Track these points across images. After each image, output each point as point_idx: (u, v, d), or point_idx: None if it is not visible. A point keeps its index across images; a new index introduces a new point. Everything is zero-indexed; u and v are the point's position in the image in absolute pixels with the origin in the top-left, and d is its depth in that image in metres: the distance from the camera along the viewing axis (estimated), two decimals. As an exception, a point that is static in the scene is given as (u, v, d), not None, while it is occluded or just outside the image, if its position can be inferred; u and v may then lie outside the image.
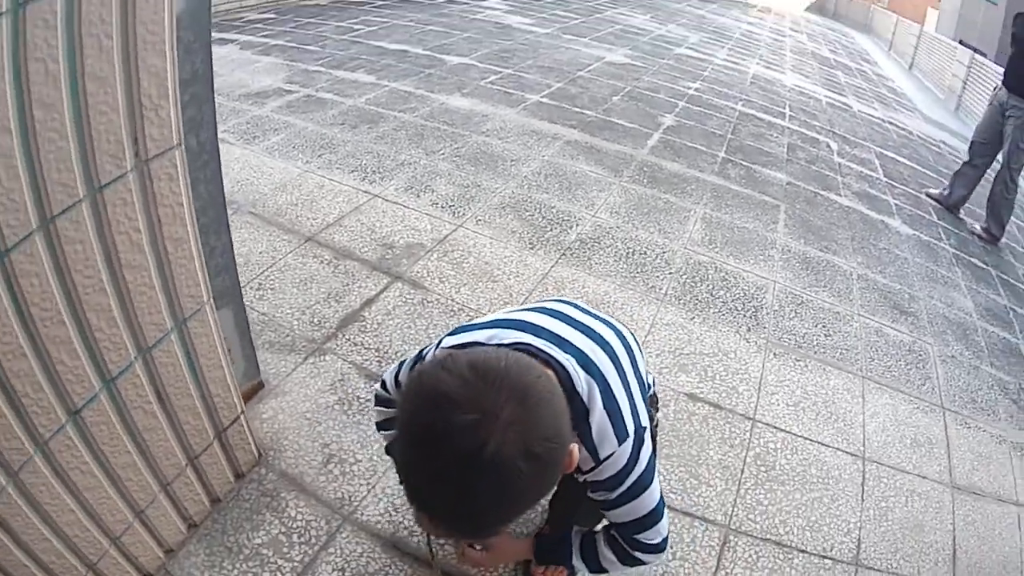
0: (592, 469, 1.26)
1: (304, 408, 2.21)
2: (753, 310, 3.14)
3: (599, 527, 1.50)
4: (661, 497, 1.35)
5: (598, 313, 1.44)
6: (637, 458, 1.27)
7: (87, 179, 1.28)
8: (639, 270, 3.25)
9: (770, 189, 4.63)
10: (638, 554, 1.38)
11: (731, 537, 2.02)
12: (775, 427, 2.48)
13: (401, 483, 1.05)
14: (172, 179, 1.46)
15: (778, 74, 9.17)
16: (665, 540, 1.38)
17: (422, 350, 1.43)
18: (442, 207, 3.49)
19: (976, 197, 5.96)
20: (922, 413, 2.82)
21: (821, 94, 8.65)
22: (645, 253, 3.40)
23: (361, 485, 2.00)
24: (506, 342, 1.23)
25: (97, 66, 1.22)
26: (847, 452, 2.46)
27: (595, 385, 1.22)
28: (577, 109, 5.42)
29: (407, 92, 5.21)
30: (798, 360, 2.88)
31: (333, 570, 1.77)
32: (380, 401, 1.57)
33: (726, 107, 6.54)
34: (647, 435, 1.31)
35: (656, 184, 4.24)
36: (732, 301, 3.17)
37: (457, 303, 2.79)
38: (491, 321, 1.33)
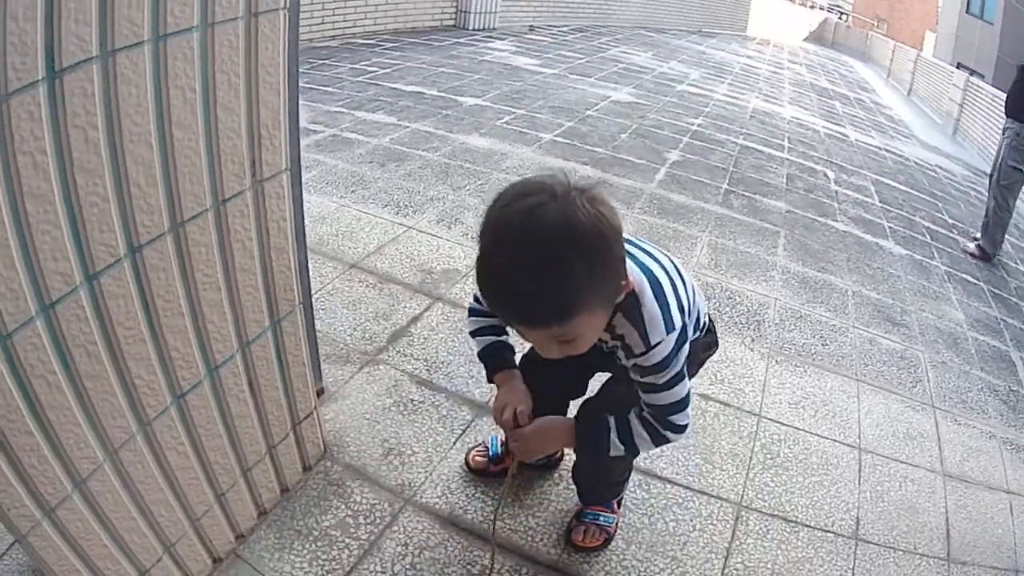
0: (643, 354, 1.41)
1: (363, 410, 2.53)
2: (756, 324, 3.51)
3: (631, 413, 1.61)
4: (688, 388, 1.51)
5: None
6: (679, 351, 1.43)
7: (214, 192, 1.49)
8: (653, 291, 3.60)
9: (770, 217, 5.03)
10: (668, 433, 1.54)
11: (743, 513, 2.36)
12: (778, 422, 2.83)
13: (490, 299, 1.25)
14: (280, 198, 1.69)
15: (777, 107, 9.61)
16: (688, 423, 1.55)
17: None
18: (472, 238, 3.85)
19: (971, 217, 6.35)
20: (913, 411, 3.15)
21: (819, 125, 9.08)
22: (658, 276, 3.76)
23: (419, 473, 2.30)
24: None
25: (226, 98, 1.44)
26: (844, 443, 2.80)
27: (645, 280, 1.40)
28: (588, 147, 5.83)
29: (428, 132, 5.57)
30: (798, 366, 3.24)
31: (397, 545, 2.02)
32: (473, 312, 1.78)
33: (728, 141, 6.96)
34: (688, 342, 1.49)
35: (665, 215, 4.64)
36: (737, 316, 3.55)
37: (494, 322, 3.15)
38: None
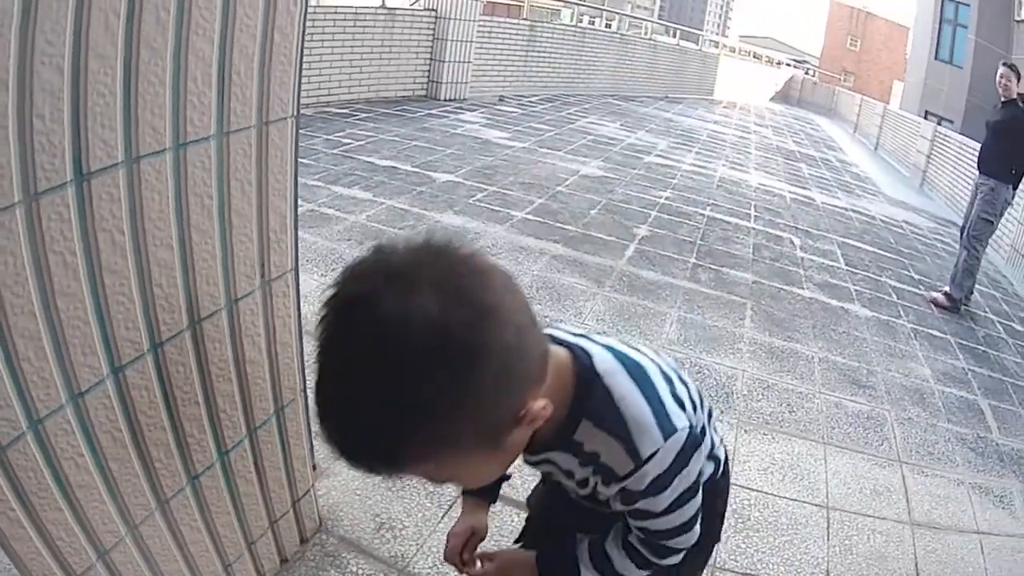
0: (630, 474, 1.03)
1: (353, 486, 2.75)
2: (725, 395, 3.83)
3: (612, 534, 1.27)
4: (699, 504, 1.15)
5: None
6: (687, 463, 1.04)
7: (227, 292, 1.63)
8: (627, 368, 3.91)
9: (737, 289, 5.40)
10: (665, 560, 1.19)
11: (717, 574, 2.63)
12: (748, 488, 3.12)
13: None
14: (286, 296, 1.88)
15: (743, 174, 10.12)
16: (695, 540, 1.19)
17: None
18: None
19: (938, 271, 6.73)
20: (880, 468, 3.45)
21: (785, 190, 9.59)
22: (631, 353, 4.07)
23: (411, 545, 2.53)
24: None
25: (240, 204, 1.57)
26: (812, 504, 3.09)
27: (619, 365, 1.05)
28: (559, 224, 6.18)
29: (403, 209, 5.84)
30: (766, 434, 3.55)
31: (395, 617, 2.25)
32: None
33: (695, 213, 7.38)
34: (706, 442, 1.15)
35: (634, 292, 4.98)
36: (707, 390, 3.86)
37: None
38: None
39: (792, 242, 7.04)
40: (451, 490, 2.82)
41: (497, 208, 6.34)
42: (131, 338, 1.45)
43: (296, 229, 1.89)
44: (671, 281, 5.31)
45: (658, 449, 1.00)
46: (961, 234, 6.37)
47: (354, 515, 2.63)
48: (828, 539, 2.90)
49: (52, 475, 1.38)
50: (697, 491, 1.10)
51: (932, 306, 6.12)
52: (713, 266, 5.81)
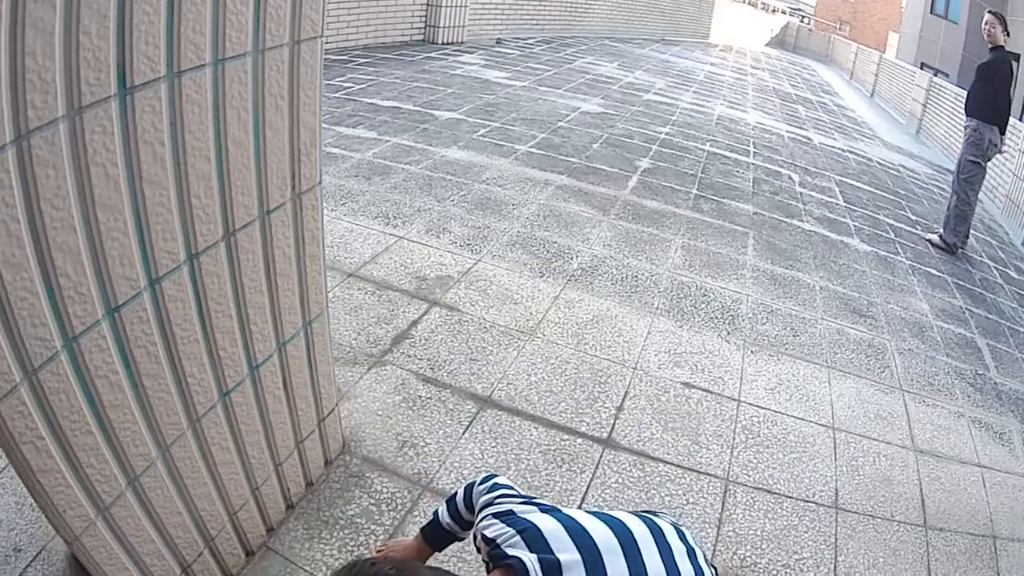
0: None
1: (375, 407, 2.74)
2: (731, 318, 3.80)
3: None
4: None
5: (693, 551, 1.27)
6: None
7: (261, 204, 1.65)
8: (633, 290, 3.90)
9: (739, 219, 5.34)
10: None
11: (730, 487, 2.62)
12: (757, 406, 3.10)
13: None
14: (315, 209, 1.87)
15: (741, 113, 9.99)
16: None
17: (473, 484, 1.51)
18: (461, 245, 4.11)
19: (935, 213, 6.71)
20: (883, 394, 3.44)
21: (783, 130, 9.47)
22: (637, 277, 4.06)
23: (434, 462, 2.52)
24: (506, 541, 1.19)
25: (273, 118, 1.59)
26: (819, 424, 3.08)
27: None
28: (562, 157, 6.10)
29: (408, 146, 5.77)
30: (771, 356, 3.53)
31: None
32: (449, 503, 1.61)
33: (695, 148, 7.29)
34: None
35: (639, 220, 4.92)
36: (712, 312, 3.83)
37: (488, 321, 3.40)
38: (547, 510, 1.27)
39: (791, 178, 6.96)
40: (468, 407, 2.81)
41: (500, 143, 6.26)
42: (169, 249, 1.44)
43: (321, 146, 1.90)
44: (674, 210, 5.24)
45: None
46: (953, 176, 6.34)
47: (376, 435, 2.61)
48: (835, 459, 2.89)
49: (84, 395, 1.35)
50: None
51: (929, 245, 6.09)
52: (715, 197, 5.74)
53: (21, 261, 1.16)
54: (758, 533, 2.44)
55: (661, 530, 1.26)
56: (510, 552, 1.17)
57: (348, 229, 4.15)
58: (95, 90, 1.16)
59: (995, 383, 3.91)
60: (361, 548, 2.13)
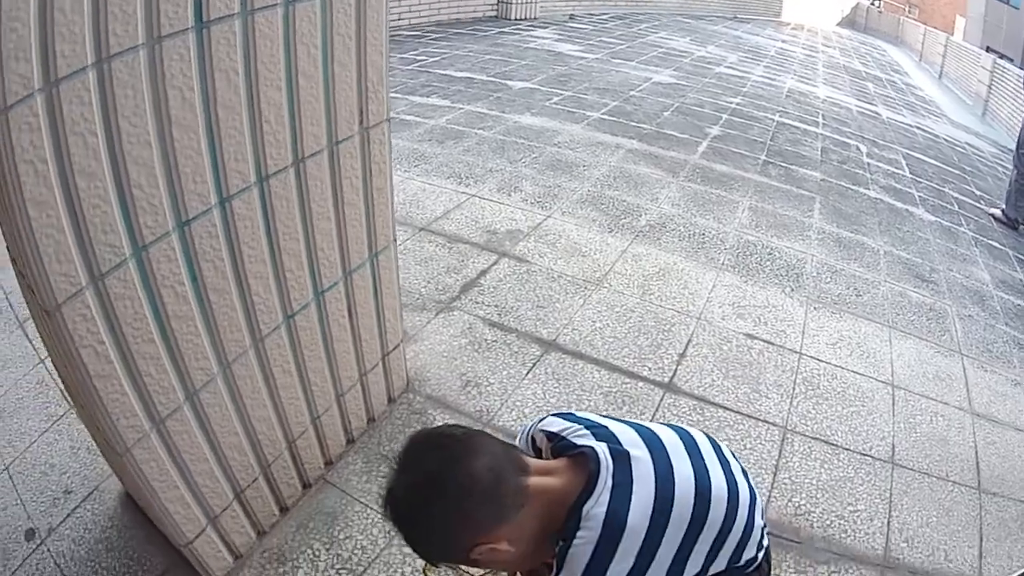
0: None
1: (440, 349, 2.73)
2: (795, 276, 3.65)
3: None
4: None
5: (726, 459, 1.26)
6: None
7: (329, 134, 1.65)
8: (700, 247, 3.79)
9: (806, 184, 5.12)
10: None
11: (788, 435, 2.53)
12: (818, 359, 2.98)
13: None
14: (382, 143, 1.86)
15: (811, 87, 9.59)
16: None
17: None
18: (531, 203, 4.05)
19: (999, 190, 6.40)
20: (942, 356, 3.26)
21: (852, 104, 9.05)
22: (704, 234, 3.94)
23: (495, 400, 2.50)
24: (576, 440, 1.19)
25: (341, 55, 1.60)
26: (878, 380, 2.94)
27: (603, 521, 1.08)
28: (633, 123, 5.95)
29: (482, 113, 5.74)
30: (834, 313, 3.38)
31: (479, 464, 2.25)
32: None
33: (764, 118, 7.02)
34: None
35: (708, 182, 4.77)
36: (777, 269, 3.69)
37: (556, 271, 3.35)
38: (596, 424, 1.24)
39: (859, 148, 6.63)
40: (533, 350, 2.78)
41: (573, 109, 6.15)
42: (240, 170, 1.45)
43: (388, 86, 1.88)
44: (742, 174, 5.06)
45: None
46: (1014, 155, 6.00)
47: (440, 375, 2.60)
48: (893, 415, 2.76)
49: (149, 304, 1.35)
50: None
51: (992, 219, 5.78)
52: (783, 164, 5.51)
53: (96, 171, 1.17)
54: (814, 482, 2.35)
55: (717, 443, 1.29)
56: (578, 442, 1.17)
57: (420, 188, 4.13)
58: (173, 22, 1.20)
59: (1054, 357, 3.70)
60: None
